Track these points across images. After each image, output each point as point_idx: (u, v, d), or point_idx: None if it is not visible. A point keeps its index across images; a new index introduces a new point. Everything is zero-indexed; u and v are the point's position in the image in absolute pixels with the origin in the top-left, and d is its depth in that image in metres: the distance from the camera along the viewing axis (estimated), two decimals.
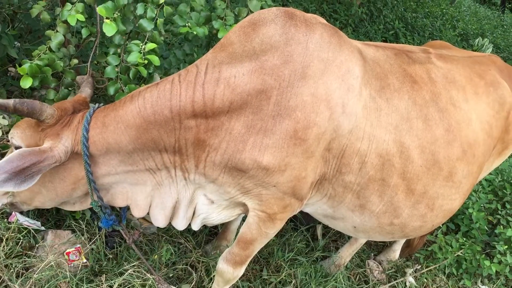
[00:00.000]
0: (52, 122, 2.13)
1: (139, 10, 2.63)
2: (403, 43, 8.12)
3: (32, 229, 2.68)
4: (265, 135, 2.10)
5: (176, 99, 2.08)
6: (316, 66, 2.10)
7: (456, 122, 2.49)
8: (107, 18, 2.52)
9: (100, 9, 2.51)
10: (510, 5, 19.16)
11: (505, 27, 13.17)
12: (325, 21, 2.30)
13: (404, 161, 2.35)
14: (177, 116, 2.09)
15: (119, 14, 2.61)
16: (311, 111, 2.09)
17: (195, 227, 2.54)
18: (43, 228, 2.70)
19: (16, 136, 2.17)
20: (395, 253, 3.85)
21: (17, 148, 2.20)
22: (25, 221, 2.64)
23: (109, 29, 2.50)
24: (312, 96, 2.09)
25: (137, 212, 2.39)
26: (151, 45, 2.56)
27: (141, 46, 2.58)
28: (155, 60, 2.53)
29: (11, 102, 1.98)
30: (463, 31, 10.28)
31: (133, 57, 2.52)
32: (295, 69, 2.08)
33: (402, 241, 3.83)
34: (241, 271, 2.63)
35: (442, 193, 2.52)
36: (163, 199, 2.38)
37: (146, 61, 2.51)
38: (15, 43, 3.68)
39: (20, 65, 3.63)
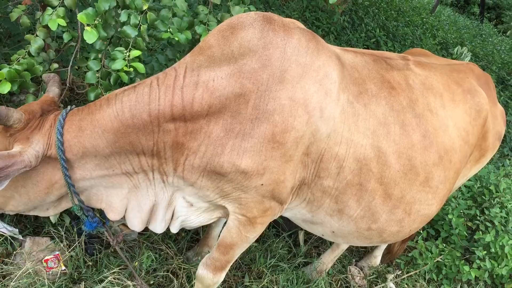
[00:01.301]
0: (20, 126, 2.08)
1: (123, 17, 2.61)
2: (384, 51, 8.19)
3: (9, 236, 2.63)
4: (243, 138, 2.11)
5: (155, 102, 2.07)
6: (294, 70, 2.12)
7: (432, 128, 2.52)
8: (87, 25, 2.50)
9: (80, 16, 2.49)
10: (488, 15, 19.54)
11: (483, 36, 13.41)
12: (303, 26, 2.32)
13: (381, 166, 2.38)
14: (156, 120, 2.09)
15: (100, 20, 2.59)
16: (289, 115, 2.11)
17: (174, 229, 2.52)
18: (20, 236, 2.65)
19: None
20: (376, 259, 3.87)
21: None
22: (2, 227, 2.59)
23: (90, 36, 2.48)
24: (290, 100, 2.10)
25: (112, 215, 2.36)
26: (135, 52, 2.55)
27: (125, 53, 2.56)
28: (141, 67, 2.52)
29: None
30: (443, 40, 10.44)
31: (118, 65, 2.51)
32: (273, 73, 2.09)
33: (383, 247, 3.85)
34: (221, 277, 2.61)
35: (419, 198, 2.55)
36: (140, 201, 2.35)
37: (131, 69, 2.49)
38: None
39: None
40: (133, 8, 2.69)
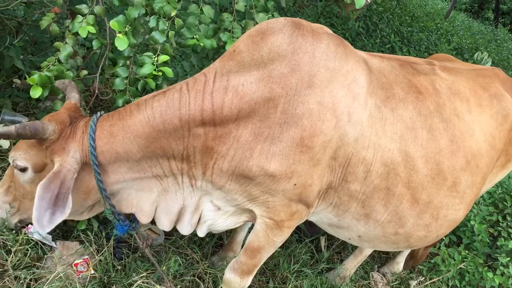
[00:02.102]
0: (55, 138, 2.15)
1: (152, 22, 2.66)
2: (409, 56, 8.19)
3: (40, 241, 2.67)
4: (272, 142, 2.13)
5: (186, 108, 2.11)
6: (323, 75, 2.15)
7: (460, 132, 2.52)
8: (119, 32, 2.55)
9: (112, 24, 2.55)
10: (503, 20, 19.44)
11: (498, 41, 13.34)
12: (331, 31, 2.35)
13: (409, 170, 2.38)
14: (186, 125, 2.13)
15: (130, 27, 2.64)
16: (317, 119, 2.13)
17: (201, 233, 2.56)
18: (53, 243, 2.69)
19: (19, 158, 2.19)
20: (399, 265, 3.86)
21: (22, 169, 2.22)
22: (35, 233, 2.63)
23: (121, 43, 2.54)
24: (319, 104, 2.13)
25: (143, 218, 2.41)
26: (164, 57, 2.59)
27: (154, 58, 2.60)
28: (169, 72, 2.56)
29: (12, 129, 2.00)
30: (457, 45, 10.40)
31: (147, 69, 2.55)
32: (302, 78, 2.12)
33: (406, 252, 3.84)
34: (248, 280, 2.62)
35: (446, 203, 2.54)
36: (169, 205, 2.40)
37: (160, 73, 2.53)
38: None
39: (26, 77, 3.66)
40: (162, 15, 2.73)
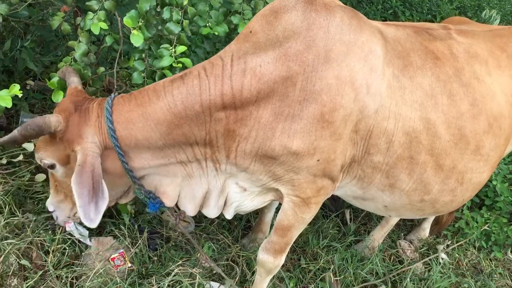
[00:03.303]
0: (63, 127, 2.13)
1: (165, 14, 2.65)
2: (403, 21, 8.10)
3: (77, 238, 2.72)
4: (293, 120, 2.14)
5: (206, 93, 2.12)
6: (339, 49, 2.14)
7: (480, 96, 2.50)
8: (133, 28, 2.55)
9: (126, 21, 2.55)
10: None
11: None
12: (343, 4, 2.31)
13: (431, 138, 2.37)
14: (208, 110, 2.13)
15: (142, 21, 2.63)
16: (336, 94, 2.13)
17: (229, 215, 2.58)
18: (88, 240, 2.74)
19: (44, 157, 2.20)
20: (425, 231, 3.89)
21: (51, 166, 2.24)
22: (72, 227, 2.68)
23: (137, 39, 2.55)
24: (337, 78, 2.13)
25: (167, 202, 2.43)
26: (181, 48, 2.59)
27: (171, 49, 2.60)
28: (188, 62, 2.55)
29: (16, 133, 1.99)
30: (460, 4, 10.24)
31: (166, 62, 2.55)
32: (318, 54, 2.11)
33: (431, 218, 3.87)
34: (281, 259, 2.65)
35: (471, 167, 2.54)
36: (193, 189, 2.42)
37: (180, 65, 2.53)
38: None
39: (40, 79, 3.67)
40: (174, 4, 2.71)
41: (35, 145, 2.59)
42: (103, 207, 2.05)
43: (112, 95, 2.27)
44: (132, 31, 2.57)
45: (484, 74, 2.57)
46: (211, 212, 2.53)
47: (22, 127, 2.00)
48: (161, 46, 2.65)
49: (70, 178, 2.13)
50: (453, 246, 3.87)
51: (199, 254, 2.90)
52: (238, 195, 2.50)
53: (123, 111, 2.18)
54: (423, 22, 2.85)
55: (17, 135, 2.00)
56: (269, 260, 2.62)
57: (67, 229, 2.67)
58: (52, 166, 2.23)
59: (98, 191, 2.05)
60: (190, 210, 2.49)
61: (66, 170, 2.25)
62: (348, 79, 2.15)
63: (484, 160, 2.58)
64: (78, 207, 2.01)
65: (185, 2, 2.69)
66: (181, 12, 2.71)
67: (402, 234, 3.97)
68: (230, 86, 2.11)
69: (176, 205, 2.50)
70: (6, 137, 2.01)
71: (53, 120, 2.09)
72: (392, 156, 2.37)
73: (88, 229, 2.79)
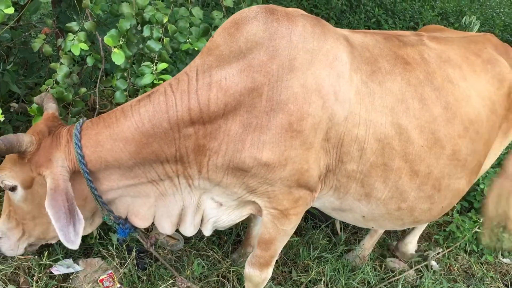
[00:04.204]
0: (34, 149, 2.12)
1: (146, 32, 2.66)
2: (386, 30, 8.19)
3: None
4: (261, 131, 2.14)
5: (173, 110, 2.12)
6: (303, 57, 2.15)
7: (454, 99, 2.47)
8: (114, 47, 2.55)
9: (107, 40, 2.56)
10: None
11: (481, 0, 13.31)
12: (306, 13, 2.33)
13: (404, 143, 2.35)
14: (176, 126, 2.13)
15: (123, 40, 2.64)
16: (303, 102, 2.13)
17: (207, 232, 2.57)
18: (76, 266, 2.71)
19: (6, 178, 2.16)
20: (408, 246, 3.74)
21: (12, 189, 2.19)
22: (62, 268, 2.66)
23: (118, 57, 2.56)
24: (302, 87, 2.13)
25: (141, 223, 2.41)
26: (162, 65, 2.61)
27: (152, 67, 2.60)
28: (170, 79, 2.55)
29: None
30: (442, 10, 10.38)
31: (147, 80, 2.56)
32: (282, 63, 2.13)
33: (415, 232, 3.76)
34: (268, 273, 2.63)
35: (448, 173, 2.51)
36: (168, 208, 2.41)
37: (161, 82, 2.54)
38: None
39: (23, 101, 3.66)
40: (154, 22, 2.73)
41: None
42: (80, 229, 2.05)
43: (81, 120, 2.27)
44: (113, 50, 2.58)
45: (458, 78, 2.55)
46: (188, 230, 2.51)
47: None
48: (142, 64, 2.66)
49: (28, 203, 2.18)
50: (443, 252, 3.87)
51: (188, 271, 2.88)
52: (215, 211, 2.48)
53: (91, 134, 2.17)
54: (395, 31, 2.85)
55: None
56: (255, 274, 2.61)
57: (56, 273, 2.64)
58: (13, 188, 2.19)
59: (74, 213, 2.05)
60: (167, 229, 2.47)
61: (27, 195, 2.21)
62: (314, 87, 2.15)
63: (461, 165, 2.54)
64: (58, 230, 2.00)
65: (165, 20, 2.71)
66: (162, 30, 2.73)
67: (394, 243, 3.96)
68: (196, 101, 2.11)
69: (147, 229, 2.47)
70: None
71: (26, 139, 2.09)
72: (365, 163, 2.35)
73: (72, 253, 2.77)
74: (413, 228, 3.70)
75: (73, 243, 2.03)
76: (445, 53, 2.62)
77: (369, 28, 8.41)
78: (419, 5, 10.09)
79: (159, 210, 2.41)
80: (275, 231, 2.45)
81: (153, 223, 2.47)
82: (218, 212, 2.48)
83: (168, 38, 2.74)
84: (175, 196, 2.38)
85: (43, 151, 2.13)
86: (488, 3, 13.06)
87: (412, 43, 2.61)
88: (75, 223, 2.04)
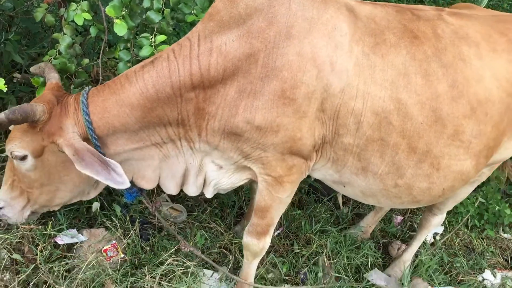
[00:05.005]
0: (46, 118, 2.16)
1: (145, 3, 2.63)
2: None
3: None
4: (255, 97, 2.17)
5: (176, 75, 2.16)
6: (301, 26, 2.15)
7: (463, 78, 2.38)
8: (116, 17, 2.53)
9: (108, 10, 2.53)
10: None
11: None
12: None
13: (402, 118, 2.30)
14: (178, 91, 2.18)
15: (126, 10, 2.61)
16: (297, 71, 2.14)
17: (208, 194, 2.61)
18: (80, 236, 2.75)
19: (16, 148, 2.20)
20: (406, 263, 3.40)
21: (22, 158, 2.22)
22: (66, 238, 2.69)
23: (120, 28, 2.54)
24: (298, 55, 2.14)
25: (147, 185, 2.48)
26: (161, 37, 2.60)
27: (151, 39, 2.59)
28: None
29: (3, 115, 2.01)
30: None
31: (145, 51, 2.55)
32: (279, 30, 2.14)
33: (413, 248, 3.44)
34: (265, 241, 2.63)
35: (448, 152, 2.42)
36: (172, 169, 2.47)
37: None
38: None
39: (26, 71, 3.64)
40: None
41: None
42: (120, 170, 2.13)
43: (87, 88, 2.30)
44: (115, 21, 2.55)
45: (472, 56, 2.44)
46: (191, 190, 2.56)
47: (9, 110, 2.03)
48: (140, 35, 2.64)
49: (37, 172, 2.23)
50: (447, 236, 3.88)
51: (191, 242, 2.91)
52: (215, 173, 2.52)
53: (98, 101, 2.22)
54: (415, 5, 2.73)
55: (3, 118, 2.01)
56: (253, 242, 2.62)
57: (60, 242, 2.68)
58: (23, 158, 2.22)
59: (105, 161, 2.12)
60: (171, 189, 2.53)
61: (37, 163, 2.25)
62: (310, 56, 2.15)
63: (465, 147, 2.44)
64: (105, 181, 2.09)
65: None
66: (162, 1, 2.69)
67: (398, 217, 3.98)
68: (198, 66, 2.16)
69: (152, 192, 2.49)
70: None
71: (40, 109, 2.14)
72: (361, 137, 2.33)
73: (76, 224, 2.80)
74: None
75: (123, 183, 2.12)
76: (463, 30, 2.50)
77: None
78: None
79: (164, 171, 2.47)
80: (270, 198, 2.48)
81: (158, 186, 2.53)
82: (218, 174, 2.52)
83: (168, 10, 2.70)
84: (178, 158, 2.44)
85: (54, 119, 2.19)
86: None
87: (427, 17, 2.50)
88: (113, 168, 2.12)
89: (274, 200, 2.48)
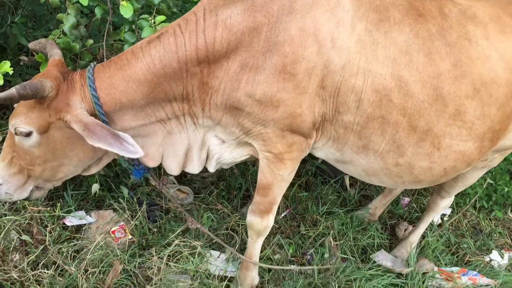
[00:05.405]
0: (54, 94, 2.16)
1: None
2: None
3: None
4: (256, 71, 2.17)
5: (182, 49, 2.17)
6: (304, 0, 2.15)
7: (468, 58, 2.34)
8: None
9: None
10: None
11: None
12: None
13: (403, 96, 2.28)
14: (184, 66, 2.19)
15: None
16: (299, 46, 2.14)
17: (211, 168, 2.62)
18: (89, 217, 2.77)
19: (22, 124, 2.18)
20: (413, 245, 3.43)
21: (27, 134, 2.20)
22: (74, 219, 2.71)
23: (126, 10, 2.54)
24: (300, 30, 2.14)
25: (151, 163, 2.49)
26: (160, 18, 2.60)
27: (151, 20, 2.58)
28: None
29: (13, 90, 1.99)
30: None
31: (146, 33, 2.54)
32: (283, 4, 2.14)
33: (420, 229, 3.45)
34: (269, 220, 2.63)
35: (449, 132, 2.40)
36: (175, 147, 2.48)
37: None
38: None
39: (32, 54, 3.64)
40: None
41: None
42: (131, 140, 2.13)
43: (92, 64, 2.30)
44: (121, 2, 2.54)
45: (478, 37, 2.40)
46: (195, 166, 2.57)
47: (20, 86, 2.02)
48: (140, 17, 2.63)
49: (41, 148, 2.24)
50: (455, 217, 3.87)
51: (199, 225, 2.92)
52: (218, 147, 2.53)
53: (104, 77, 2.22)
54: None
55: (14, 93, 2.00)
56: (256, 221, 2.63)
57: (68, 224, 2.70)
58: (28, 134, 2.21)
59: (115, 133, 2.12)
60: (174, 169, 2.54)
61: (42, 139, 2.24)
62: (311, 31, 2.15)
63: (467, 127, 2.41)
64: (119, 152, 2.10)
65: None
66: None
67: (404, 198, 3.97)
68: (203, 40, 2.16)
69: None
70: (3, 93, 2.00)
71: (49, 85, 2.13)
72: (362, 115, 2.32)
73: (84, 205, 2.82)
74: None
75: (136, 153, 2.12)
76: (471, 10, 2.46)
77: None
78: None
79: (166, 149, 2.49)
80: (272, 175, 2.48)
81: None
82: (221, 148, 2.53)
83: None
84: (181, 135, 2.45)
85: (61, 96, 2.18)
86: None
87: None
88: (124, 139, 2.12)
89: (276, 178, 2.49)
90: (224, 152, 2.55)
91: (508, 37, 2.44)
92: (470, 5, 2.46)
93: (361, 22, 2.22)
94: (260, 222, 2.62)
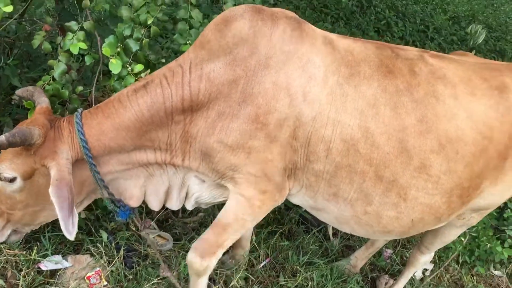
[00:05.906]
0: (41, 141, 2.22)
1: (126, 31, 2.72)
2: (395, 32, 8.16)
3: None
4: (231, 120, 2.31)
5: (169, 101, 2.31)
6: (278, 57, 2.31)
7: (434, 114, 2.42)
8: (111, 56, 2.62)
9: (105, 50, 2.68)
10: None
11: (495, 6, 13.17)
12: (293, 15, 2.46)
13: (369, 147, 2.38)
14: (170, 115, 2.34)
15: (121, 46, 2.70)
16: (271, 98, 2.29)
17: (189, 206, 2.70)
18: (65, 262, 2.76)
19: (7, 169, 2.23)
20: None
21: (11, 180, 2.24)
22: (50, 264, 2.70)
23: (116, 67, 2.65)
24: (273, 84, 2.29)
25: (133, 203, 2.57)
26: (139, 66, 2.71)
27: (128, 68, 2.67)
28: None
29: (3, 138, 2.05)
30: (454, 14, 10.28)
31: (129, 82, 2.65)
32: (259, 60, 2.30)
33: (397, 287, 3.52)
34: (210, 262, 2.58)
35: (415, 184, 2.45)
36: (156, 187, 2.58)
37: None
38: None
39: None
40: (137, 24, 2.77)
41: None
42: (76, 222, 2.17)
43: (79, 109, 2.40)
44: (110, 60, 2.64)
45: (446, 96, 2.47)
46: (174, 204, 2.66)
47: (10, 134, 2.08)
48: (121, 66, 2.71)
49: (23, 194, 2.29)
50: (437, 271, 3.86)
51: (174, 272, 2.91)
52: (198, 187, 2.62)
53: (92, 124, 2.32)
54: (400, 45, 2.76)
55: (4, 140, 2.06)
56: (196, 260, 2.56)
57: (44, 268, 2.68)
58: (12, 180, 2.25)
59: (73, 207, 2.16)
60: (155, 205, 2.63)
61: (25, 185, 2.29)
62: (284, 85, 2.30)
63: (433, 181, 2.46)
64: (61, 219, 2.11)
65: (149, 22, 2.74)
66: (144, 30, 2.76)
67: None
68: (189, 91, 2.31)
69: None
70: None
71: (36, 133, 2.20)
72: (331, 163, 2.42)
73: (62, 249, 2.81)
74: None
75: (71, 234, 2.14)
76: (441, 71, 2.54)
77: (378, 30, 8.34)
78: (431, 8, 10.00)
79: (148, 189, 2.59)
80: (234, 217, 2.53)
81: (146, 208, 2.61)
82: (201, 188, 2.62)
83: (147, 40, 2.78)
84: (162, 177, 2.57)
85: (48, 143, 2.25)
86: (502, 8, 12.93)
87: (407, 56, 2.55)
88: (73, 216, 2.16)
89: (237, 220, 2.53)
90: (204, 192, 2.64)
91: (478, 98, 2.51)
92: (442, 67, 2.55)
93: (333, 75, 2.36)
94: (199, 262, 2.56)
